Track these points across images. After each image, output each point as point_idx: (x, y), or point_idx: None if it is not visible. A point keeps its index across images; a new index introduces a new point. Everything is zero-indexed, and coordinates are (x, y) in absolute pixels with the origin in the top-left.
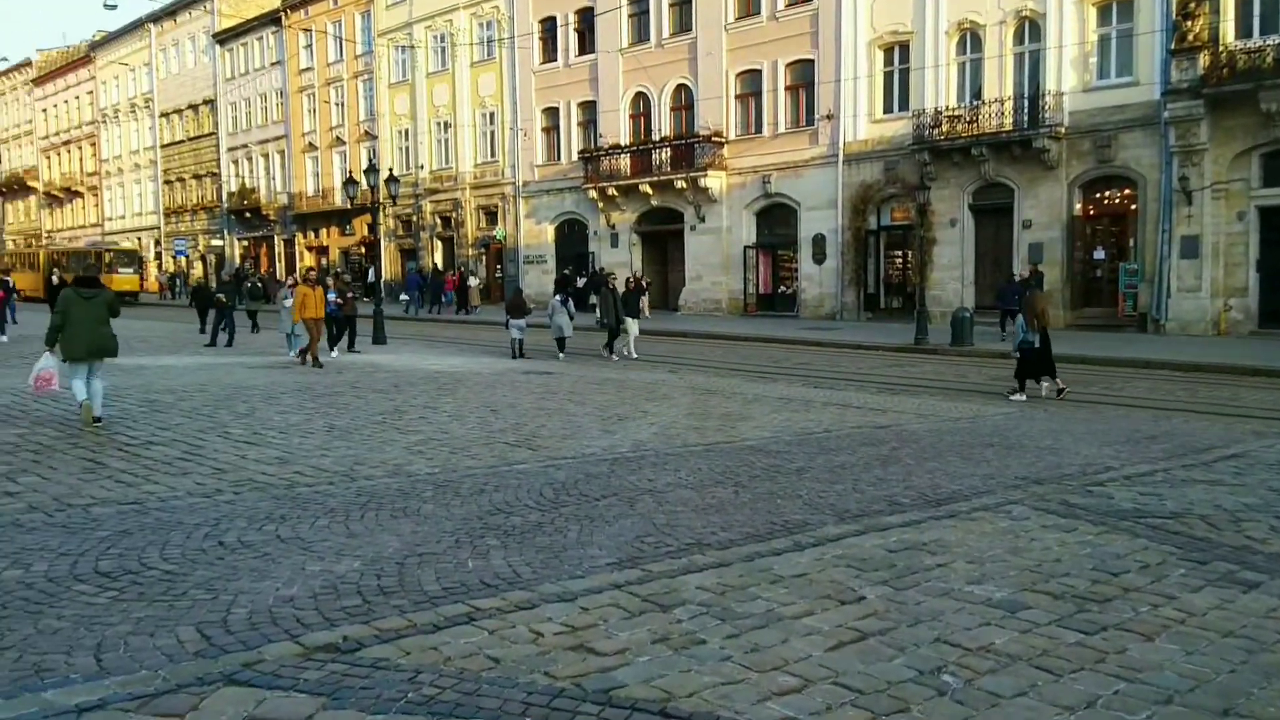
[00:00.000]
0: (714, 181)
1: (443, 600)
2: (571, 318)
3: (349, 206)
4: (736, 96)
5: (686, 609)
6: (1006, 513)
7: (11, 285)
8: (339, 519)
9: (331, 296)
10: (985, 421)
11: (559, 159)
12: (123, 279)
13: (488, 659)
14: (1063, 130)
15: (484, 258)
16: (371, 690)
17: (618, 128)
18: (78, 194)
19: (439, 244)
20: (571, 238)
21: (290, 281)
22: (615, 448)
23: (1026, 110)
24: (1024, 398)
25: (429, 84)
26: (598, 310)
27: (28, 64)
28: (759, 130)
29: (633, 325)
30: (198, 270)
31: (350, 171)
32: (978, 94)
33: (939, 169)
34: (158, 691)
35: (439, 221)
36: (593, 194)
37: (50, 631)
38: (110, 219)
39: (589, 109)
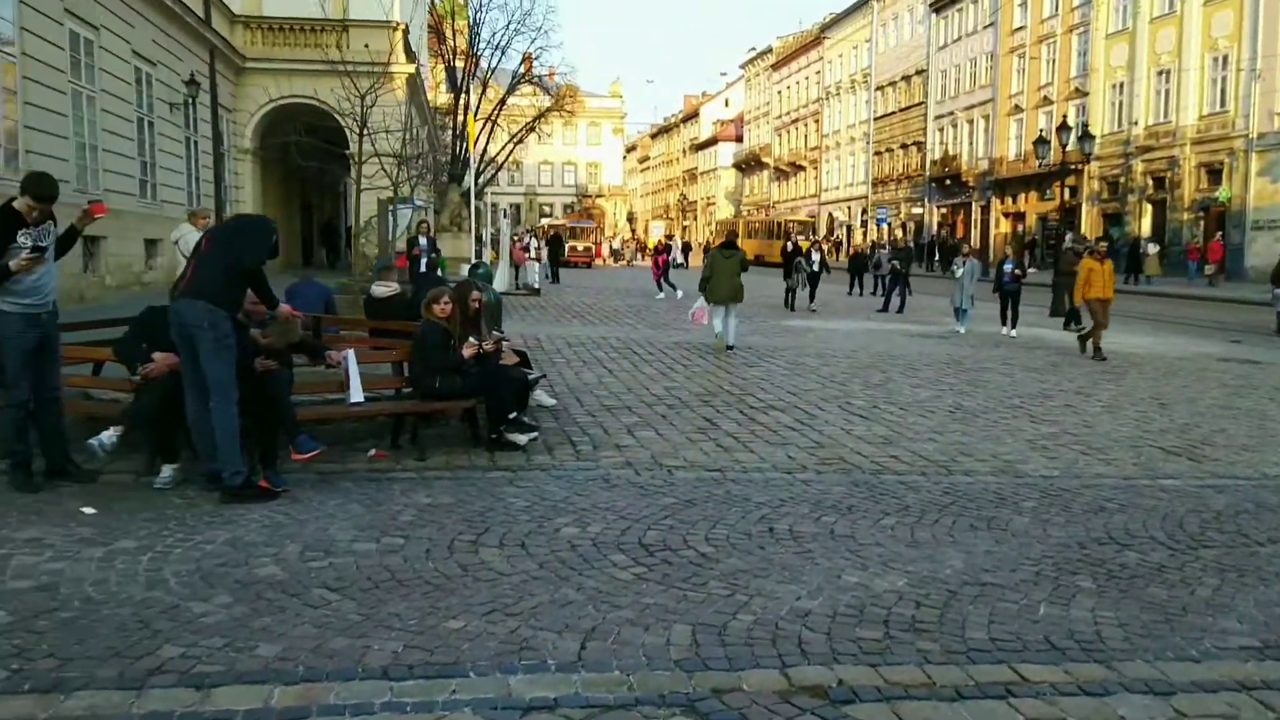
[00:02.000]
0: None
1: (982, 656)
2: None
3: (1047, 170)
4: None
5: None
6: None
7: (670, 247)
8: (908, 520)
9: (1008, 267)
10: None
11: None
12: (805, 244)
13: None
14: None
15: (1201, 222)
16: None
17: None
18: (801, 168)
19: (1148, 207)
20: None
21: (966, 250)
22: None
23: None
24: None
25: (1151, 30)
26: None
27: (768, 51)
28: None
29: None
30: (900, 237)
31: (1043, 132)
32: None
33: None
34: (614, 704)
35: (1150, 183)
36: None
37: (561, 604)
38: (826, 190)
39: None
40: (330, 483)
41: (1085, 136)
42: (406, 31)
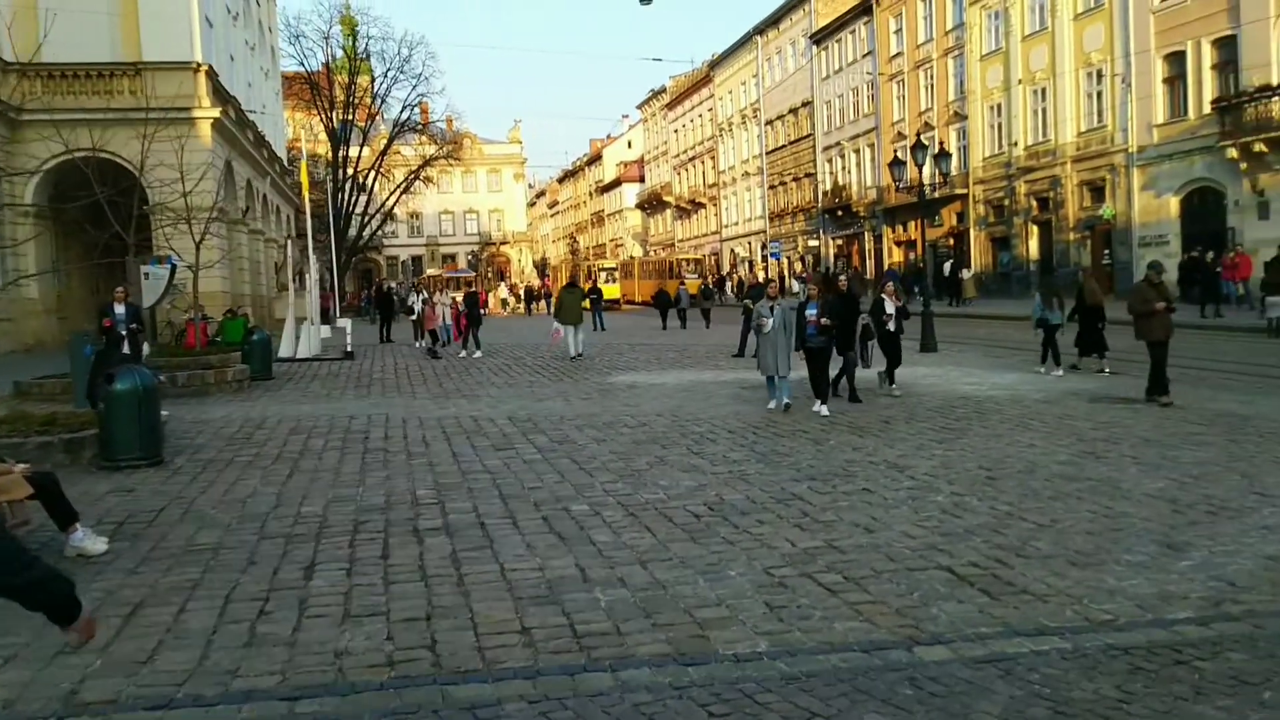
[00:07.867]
0: None
1: None
2: None
3: (934, 196)
4: None
5: None
6: None
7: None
8: None
9: (811, 313)
10: None
11: (1184, 114)
12: (691, 282)
13: None
14: None
15: (1088, 241)
16: None
17: (1268, 61)
18: (701, 205)
19: (1034, 229)
20: (1201, 211)
21: (772, 289)
22: (1192, 596)
23: None
24: None
25: (1024, 49)
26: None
27: (663, 91)
28: None
29: None
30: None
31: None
32: None
33: None
34: None
35: (1034, 204)
36: (1232, 153)
37: None
38: (726, 225)
39: (1226, 47)
40: None
41: (942, 155)
42: (211, 74)
